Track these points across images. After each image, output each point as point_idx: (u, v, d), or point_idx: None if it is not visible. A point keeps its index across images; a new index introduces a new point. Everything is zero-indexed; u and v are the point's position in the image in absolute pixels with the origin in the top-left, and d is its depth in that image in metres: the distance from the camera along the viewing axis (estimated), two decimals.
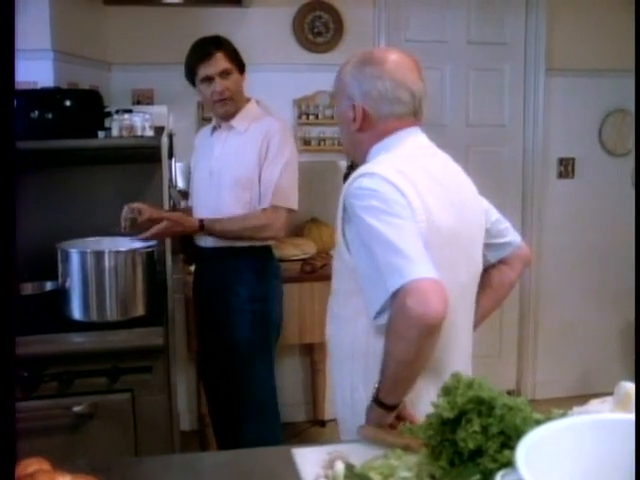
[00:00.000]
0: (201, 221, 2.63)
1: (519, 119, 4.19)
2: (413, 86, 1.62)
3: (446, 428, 1.08)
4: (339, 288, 1.65)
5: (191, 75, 2.68)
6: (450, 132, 4.09)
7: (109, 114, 2.62)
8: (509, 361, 4.35)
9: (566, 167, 4.17)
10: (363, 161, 1.67)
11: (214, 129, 2.81)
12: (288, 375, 3.85)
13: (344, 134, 1.73)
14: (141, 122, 2.59)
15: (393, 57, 1.62)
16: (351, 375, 1.62)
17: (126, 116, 2.58)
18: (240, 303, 2.70)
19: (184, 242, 3.56)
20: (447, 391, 1.07)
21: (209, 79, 2.62)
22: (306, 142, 3.85)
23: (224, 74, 2.63)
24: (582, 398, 1.36)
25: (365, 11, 3.82)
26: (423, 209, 1.50)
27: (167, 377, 2.30)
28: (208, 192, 2.75)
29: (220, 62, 2.62)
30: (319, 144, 3.86)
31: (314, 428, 3.88)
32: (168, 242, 2.71)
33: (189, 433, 3.63)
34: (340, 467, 1.13)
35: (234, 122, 2.72)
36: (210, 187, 2.74)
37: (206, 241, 2.74)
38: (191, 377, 3.62)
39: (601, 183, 4.23)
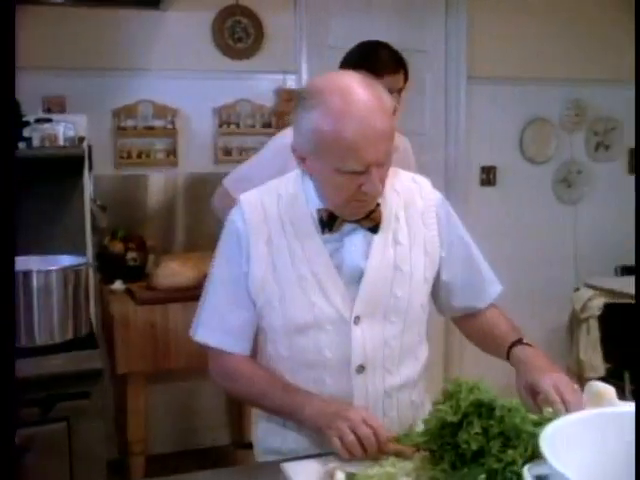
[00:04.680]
0: None
1: (441, 127, 4.35)
2: None
3: (446, 432, 1.15)
4: (413, 328, 1.68)
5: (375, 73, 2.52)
6: None
7: (27, 123, 2.57)
8: (435, 371, 4.49)
9: (488, 175, 4.38)
10: None
11: None
12: (209, 398, 3.85)
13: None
14: (63, 131, 2.56)
15: None
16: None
17: (47, 125, 2.55)
18: None
19: (101, 259, 3.50)
20: (449, 396, 1.15)
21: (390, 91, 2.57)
22: (227, 152, 3.87)
23: (397, 92, 2.57)
24: None
25: (285, 16, 3.89)
26: None
27: (104, 402, 2.28)
28: None
29: (400, 80, 2.58)
30: (240, 154, 3.88)
31: (239, 451, 3.88)
32: (90, 257, 2.67)
33: (109, 462, 3.55)
34: (341, 477, 1.18)
35: None
36: None
37: None
38: (110, 401, 3.56)
39: (522, 191, 4.46)
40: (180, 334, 3.00)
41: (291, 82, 3.91)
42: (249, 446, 3.86)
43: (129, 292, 3.26)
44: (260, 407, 1.65)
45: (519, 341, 1.63)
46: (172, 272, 3.22)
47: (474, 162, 4.36)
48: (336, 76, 1.48)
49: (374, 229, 1.54)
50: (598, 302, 3.88)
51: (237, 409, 3.88)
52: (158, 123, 3.72)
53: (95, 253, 3.53)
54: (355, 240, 1.55)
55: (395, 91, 2.53)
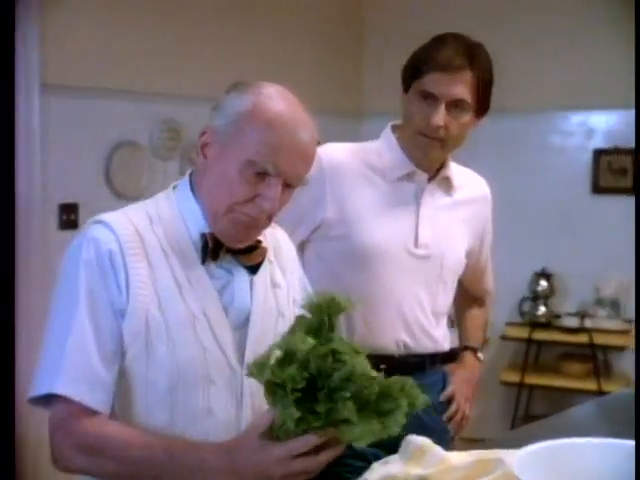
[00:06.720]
0: None
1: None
2: None
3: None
4: None
5: (415, 69, 1.84)
6: None
7: None
8: None
9: (69, 215, 3.25)
10: None
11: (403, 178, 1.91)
12: None
13: None
14: None
15: None
16: None
17: None
18: None
19: None
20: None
21: (431, 98, 1.80)
22: None
23: (454, 106, 1.80)
24: None
25: None
26: None
27: None
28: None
29: (459, 87, 1.79)
30: None
31: None
32: None
33: None
34: None
35: (446, 172, 1.95)
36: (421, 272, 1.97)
37: None
38: None
39: None
40: None
41: None
42: None
43: None
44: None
45: None
46: None
47: (53, 199, 3.20)
48: (284, 88, 1.39)
49: (254, 269, 1.41)
50: None
51: None
52: None
53: None
54: (242, 278, 1.41)
55: (444, 101, 1.78)
